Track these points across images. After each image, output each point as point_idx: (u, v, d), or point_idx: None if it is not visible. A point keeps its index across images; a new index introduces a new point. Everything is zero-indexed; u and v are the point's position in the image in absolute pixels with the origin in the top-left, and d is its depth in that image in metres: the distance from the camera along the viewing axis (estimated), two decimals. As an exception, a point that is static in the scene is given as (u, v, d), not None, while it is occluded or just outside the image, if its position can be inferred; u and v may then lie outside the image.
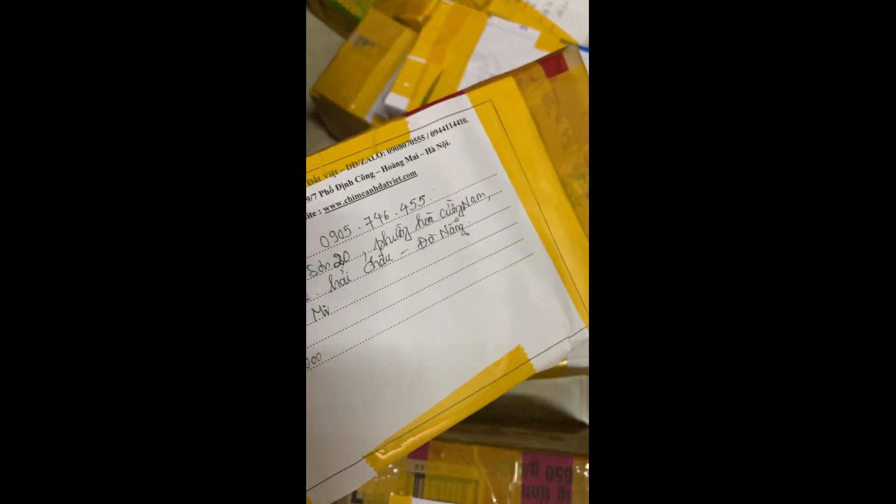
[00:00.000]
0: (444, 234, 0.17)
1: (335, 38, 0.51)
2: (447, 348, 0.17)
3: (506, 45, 0.35)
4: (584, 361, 0.28)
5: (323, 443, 0.16)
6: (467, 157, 0.17)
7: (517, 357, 0.18)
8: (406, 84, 0.35)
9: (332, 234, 0.17)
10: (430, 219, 0.17)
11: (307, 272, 0.16)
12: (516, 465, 0.29)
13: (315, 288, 0.16)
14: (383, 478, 0.29)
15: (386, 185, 0.17)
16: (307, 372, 0.16)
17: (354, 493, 0.29)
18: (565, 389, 0.41)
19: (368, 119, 0.39)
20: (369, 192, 0.17)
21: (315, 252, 0.16)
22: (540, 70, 0.18)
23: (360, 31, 0.42)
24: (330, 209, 0.17)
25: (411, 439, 0.17)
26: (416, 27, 0.42)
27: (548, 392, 0.42)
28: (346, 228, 0.17)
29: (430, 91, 0.34)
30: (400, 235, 0.17)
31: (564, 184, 0.18)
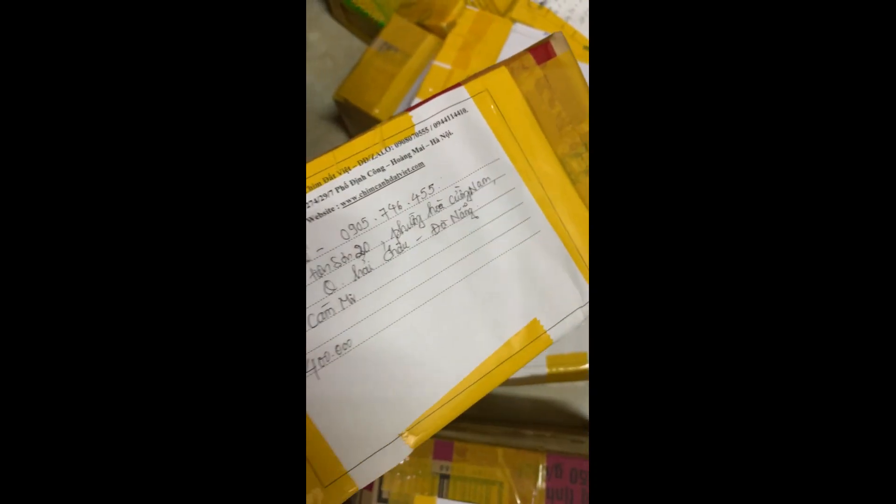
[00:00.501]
0: (455, 220, 0.18)
1: (356, 42, 0.51)
2: (467, 326, 0.18)
3: (530, 52, 0.35)
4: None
5: (359, 425, 0.17)
6: (469, 144, 0.18)
7: (534, 330, 0.19)
8: (431, 89, 0.35)
9: (350, 226, 0.18)
10: (440, 206, 0.18)
11: (331, 264, 0.17)
12: (540, 467, 0.29)
13: (340, 278, 0.17)
14: (408, 478, 0.30)
15: (396, 178, 0.18)
16: (340, 358, 0.17)
17: (380, 492, 0.30)
18: (584, 393, 0.42)
19: (392, 123, 0.40)
20: (381, 185, 0.18)
21: (337, 245, 0.17)
22: (530, 58, 0.19)
23: (383, 36, 0.42)
24: (347, 203, 0.18)
25: (443, 415, 0.18)
26: (440, 33, 0.42)
27: (567, 395, 0.42)
28: (363, 220, 0.18)
29: (455, 97, 0.35)
30: (414, 223, 0.18)
31: (563, 163, 0.19)
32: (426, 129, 0.18)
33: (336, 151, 0.18)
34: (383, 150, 0.18)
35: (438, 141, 0.18)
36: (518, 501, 0.29)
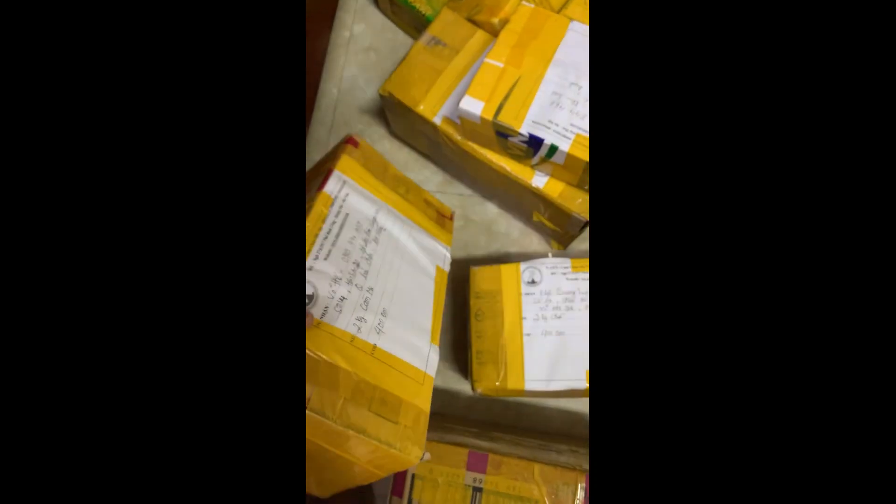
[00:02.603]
0: (381, 232, 0.32)
1: (401, 36, 0.50)
2: (415, 277, 0.33)
3: (586, 53, 0.34)
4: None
5: (408, 343, 0.29)
6: (360, 196, 0.33)
7: (441, 270, 0.35)
8: (482, 88, 0.34)
9: (345, 252, 0.30)
10: (368, 230, 0.32)
11: (356, 266, 0.29)
12: (579, 487, 0.28)
13: (345, 271, 0.29)
14: (440, 487, 0.29)
15: (345, 220, 0.31)
16: (386, 319, 0.29)
17: (410, 500, 0.29)
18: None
19: (437, 121, 0.39)
20: (342, 225, 0.31)
21: (343, 268, 0.29)
22: (351, 147, 0.34)
23: (431, 30, 0.41)
24: (335, 232, 0.30)
25: (437, 311, 0.32)
26: (490, 29, 0.41)
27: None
28: (350, 243, 0.30)
29: (507, 96, 0.34)
30: (369, 240, 0.32)
31: (394, 190, 0.36)
32: (336, 197, 0.31)
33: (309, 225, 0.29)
34: (328, 212, 0.30)
35: (344, 202, 0.32)
36: (552, 521, 0.28)
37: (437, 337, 0.31)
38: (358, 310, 0.27)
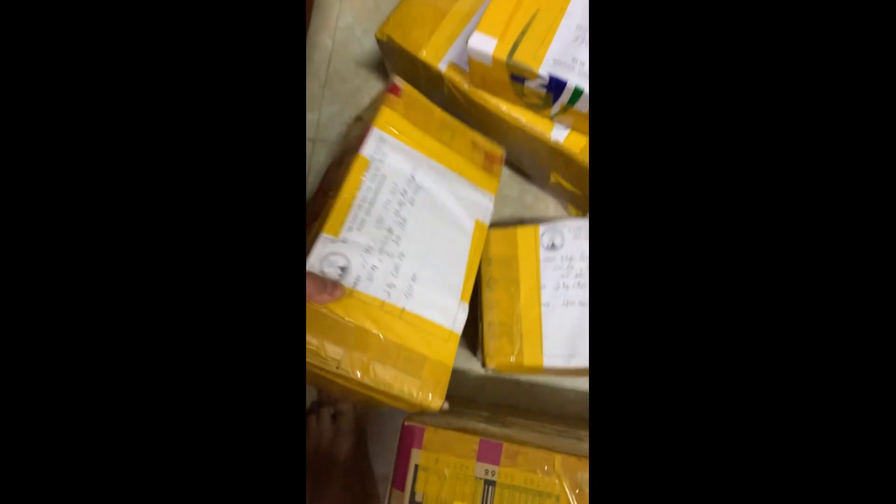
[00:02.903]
0: (417, 191, 0.32)
1: (402, -20, 0.45)
2: (453, 234, 0.32)
3: (617, -20, 0.29)
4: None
5: (439, 304, 0.30)
6: (399, 153, 0.32)
7: (480, 225, 0.33)
8: (495, 23, 0.29)
9: (379, 219, 0.30)
10: (405, 191, 0.31)
11: (389, 233, 0.29)
12: (607, 480, 0.24)
13: (377, 239, 0.29)
14: (447, 479, 0.25)
15: (381, 184, 0.30)
16: (415, 285, 0.30)
17: (413, 494, 0.26)
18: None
19: (442, 68, 0.34)
20: (377, 190, 0.30)
21: (375, 236, 0.29)
22: (392, 96, 0.32)
23: (436, -35, 0.37)
24: (370, 199, 0.30)
25: (470, 273, 0.32)
26: (502, -37, 0.36)
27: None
28: (385, 207, 0.30)
29: (524, 32, 0.29)
30: (401, 205, 0.31)
31: (440, 141, 0.34)
32: (374, 157, 0.30)
33: (332, 215, 0.28)
34: (364, 175, 0.30)
35: (383, 161, 0.31)
36: (576, 518, 0.24)
37: (469, 293, 0.31)
38: (388, 277, 0.28)
